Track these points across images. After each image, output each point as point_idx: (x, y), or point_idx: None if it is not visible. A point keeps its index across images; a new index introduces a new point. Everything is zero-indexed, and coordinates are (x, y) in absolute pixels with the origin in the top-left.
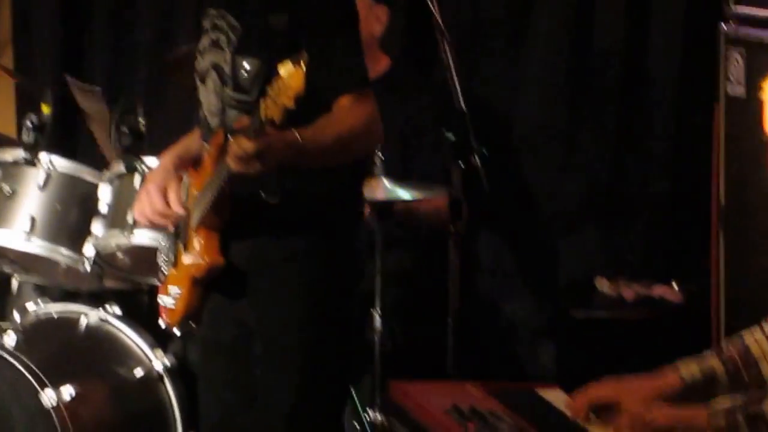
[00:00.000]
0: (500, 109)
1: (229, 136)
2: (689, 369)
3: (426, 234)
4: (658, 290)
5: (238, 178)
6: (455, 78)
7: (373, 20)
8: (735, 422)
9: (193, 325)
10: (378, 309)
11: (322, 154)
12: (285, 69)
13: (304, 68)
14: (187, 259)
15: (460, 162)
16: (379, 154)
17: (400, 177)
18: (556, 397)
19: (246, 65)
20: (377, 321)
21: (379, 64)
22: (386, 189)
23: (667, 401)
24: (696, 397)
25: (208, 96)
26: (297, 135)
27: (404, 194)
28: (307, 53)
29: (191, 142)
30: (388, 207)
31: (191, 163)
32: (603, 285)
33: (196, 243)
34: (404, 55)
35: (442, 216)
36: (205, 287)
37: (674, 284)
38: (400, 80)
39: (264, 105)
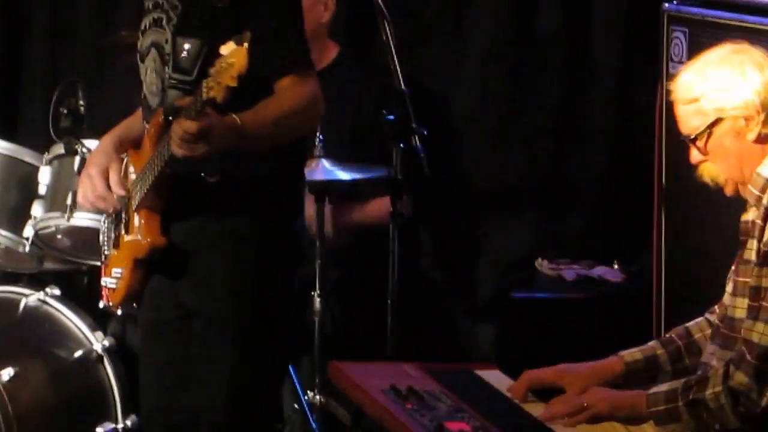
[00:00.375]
0: (440, 90)
1: (169, 116)
2: (632, 354)
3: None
4: (599, 270)
5: (179, 158)
6: (395, 59)
7: (321, 8)
8: (675, 408)
9: (135, 306)
10: (318, 291)
11: (262, 138)
12: (227, 48)
13: (247, 47)
14: (128, 239)
15: (400, 143)
16: (319, 135)
17: (340, 158)
18: (494, 377)
19: (186, 45)
20: (317, 303)
21: (329, 52)
22: (326, 170)
23: (608, 385)
24: (638, 382)
25: (149, 76)
26: (236, 119)
27: (344, 175)
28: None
29: (132, 123)
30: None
31: (132, 144)
32: (543, 266)
33: (138, 223)
34: (346, 38)
35: (386, 220)
36: (147, 268)
37: (615, 264)
38: (345, 65)
39: (206, 84)
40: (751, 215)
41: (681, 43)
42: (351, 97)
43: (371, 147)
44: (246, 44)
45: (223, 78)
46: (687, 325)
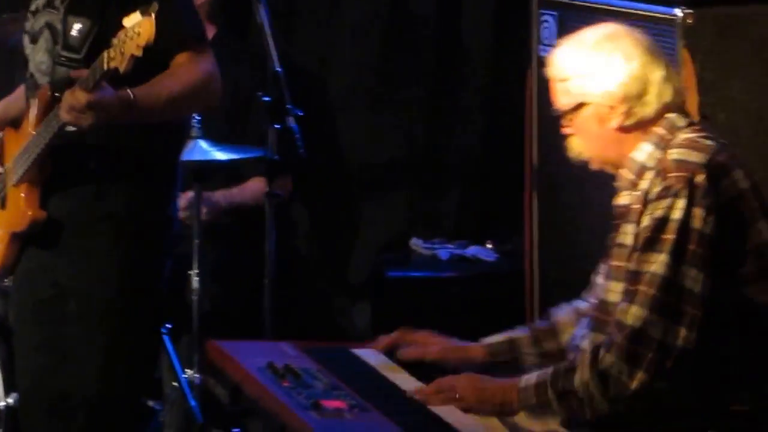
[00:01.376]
0: (315, 71)
1: (56, 92)
2: (494, 339)
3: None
4: (473, 250)
5: (63, 133)
6: (270, 41)
7: None
8: (546, 399)
9: (7, 282)
10: (196, 270)
11: (156, 112)
12: (131, 20)
13: (154, 18)
14: (6, 214)
15: (276, 124)
16: (195, 116)
17: (216, 139)
18: (369, 355)
19: (77, 24)
20: (195, 282)
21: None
22: (202, 151)
23: (471, 368)
24: (501, 367)
25: (38, 55)
26: (130, 93)
27: (221, 156)
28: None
29: (11, 102)
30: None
31: (11, 123)
32: (418, 245)
33: (17, 198)
34: (223, 20)
35: (261, 200)
36: (23, 242)
37: (488, 244)
38: (221, 46)
39: (107, 55)
40: (625, 199)
41: (551, 26)
42: (227, 78)
43: (247, 128)
44: (153, 15)
45: (127, 48)
46: (550, 309)
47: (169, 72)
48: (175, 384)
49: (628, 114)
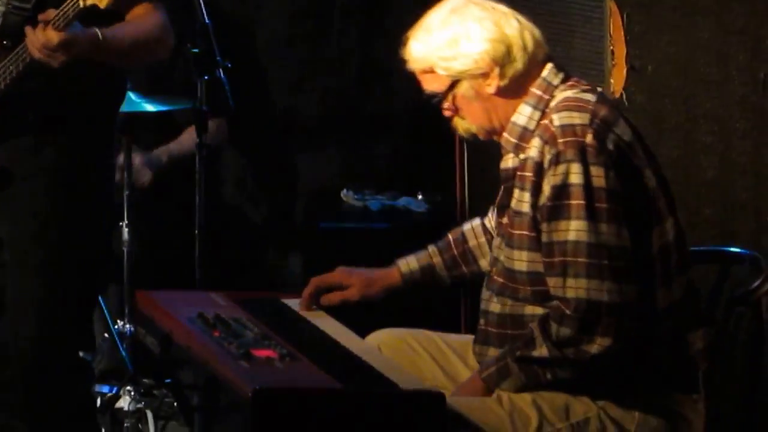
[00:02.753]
0: (244, 22)
1: (4, 40)
2: (408, 265)
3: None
4: (403, 201)
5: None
6: None
7: None
8: (505, 366)
9: None
10: (126, 221)
11: (118, 54)
12: None
13: None
14: None
15: (204, 75)
16: None
17: (145, 91)
18: (300, 304)
19: None
20: (125, 233)
21: None
22: (132, 102)
23: (387, 289)
24: (416, 289)
25: None
26: (98, 33)
27: (150, 107)
28: None
29: None
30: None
31: None
32: (349, 196)
33: None
34: None
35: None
36: None
37: (419, 195)
38: None
39: None
40: (510, 162)
41: None
42: None
43: (176, 80)
44: None
45: None
46: (464, 229)
47: (130, 20)
48: (106, 335)
49: (501, 75)
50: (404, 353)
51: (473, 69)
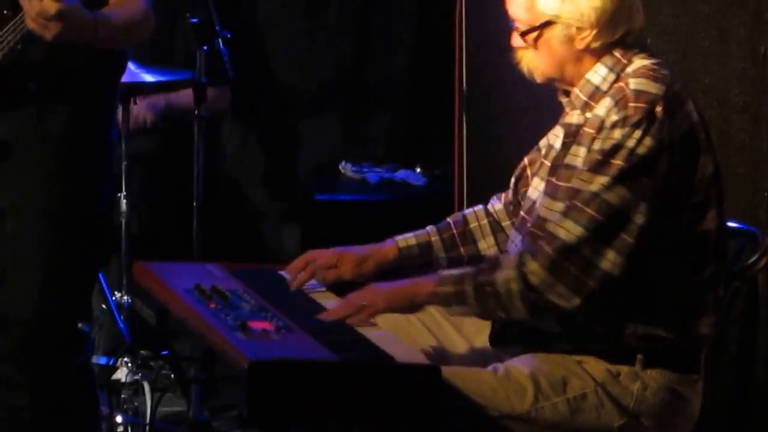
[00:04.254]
0: None
1: (4, 10)
2: (406, 240)
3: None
4: (402, 174)
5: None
6: None
7: None
8: (462, 290)
9: None
10: (124, 192)
11: (112, 38)
12: None
13: None
14: None
15: (203, 46)
16: None
17: (145, 61)
18: None
19: None
20: (123, 204)
21: None
22: (131, 72)
23: (379, 265)
24: (412, 266)
25: None
26: (95, 15)
27: (150, 77)
28: None
29: None
30: (133, 92)
31: None
32: (347, 169)
33: None
34: None
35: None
36: None
37: (418, 168)
38: None
39: None
40: (576, 119)
41: None
42: (155, 1)
43: (176, 50)
44: None
45: None
46: (465, 212)
47: (115, 3)
48: (104, 306)
49: (596, 37)
50: (398, 323)
51: (575, 20)
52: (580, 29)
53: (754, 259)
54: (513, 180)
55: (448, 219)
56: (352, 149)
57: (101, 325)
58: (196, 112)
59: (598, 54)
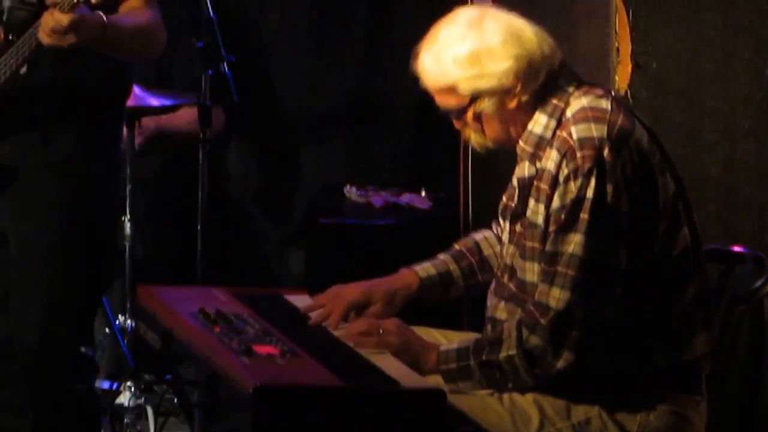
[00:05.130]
0: (248, 17)
1: (10, 34)
2: (426, 270)
3: (178, 143)
4: (407, 197)
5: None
6: None
7: None
8: (467, 366)
9: None
10: (128, 215)
11: (119, 44)
12: None
13: None
14: None
15: (209, 70)
16: None
17: (150, 84)
18: (303, 301)
19: None
20: (127, 227)
21: None
22: (136, 96)
23: (406, 299)
24: (433, 296)
25: None
26: (102, 16)
27: (155, 101)
28: None
29: None
30: (138, 115)
31: None
32: (352, 192)
33: None
34: None
35: (195, 127)
36: None
37: (422, 192)
38: None
39: None
40: (526, 171)
41: None
42: None
43: (181, 73)
44: None
45: None
46: (476, 239)
47: (127, 10)
48: (107, 330)
49: (523, 91)
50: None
51: (497, 86)
52: (506, 92)
53: (760, 283)
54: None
55: (459, 246)
56: (357, 172)
57: (104, 349)
58: (201, 135)
59: (533, 105)
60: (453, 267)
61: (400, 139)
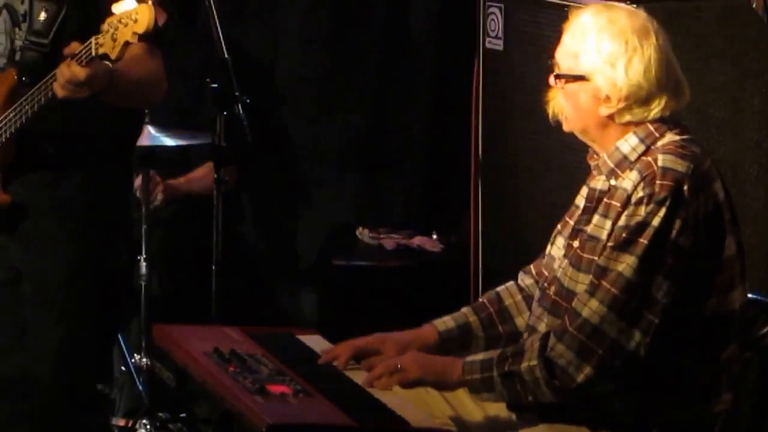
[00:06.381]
0: (262, 59)
1: (24, 77)
2: (445, 323)
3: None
4: (418, 240)
5: (30, 119)
6: (218, 28)
7: None
8: (490, 377)
9: None
10: (144, 255)
11: (125, 93)
12: (122, 5)
13: (152, 5)
14: None
15: (223, 111)
16: None
17: (165, 125)
18: (315, 341)
19: (44, 9)
20: (143, 267)
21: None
22: (151, 136)
23: (425, 352)
24: (452, 350)
25: None
26: (110, 65)
27: (169, 142)
28: (104, 3)
29: None
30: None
31: None
32: (364, 234)
33: None
34: (173, 6)
35: (211, 186)
36: None
37: (434, 235)
38: (172, 32)
39: (95, 41)
40: (600, 184)
41: (497, 18)
42: (176, 65)
43: (196, 114)
44: (151, 1)
45: (120, 34)
46: (498, 290)
47: (130, 59)
48: (123, 368)
49: (624, 110)
50: (414, 390)
51: (607, 87)
52: (608, 97)
53: (766, 329)
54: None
55: (482, 299)
56: (369, 215)
57: (121, 386)
58: (215, 176)
59: (620, 129)
60: (473, 318)
61: (412, 182)
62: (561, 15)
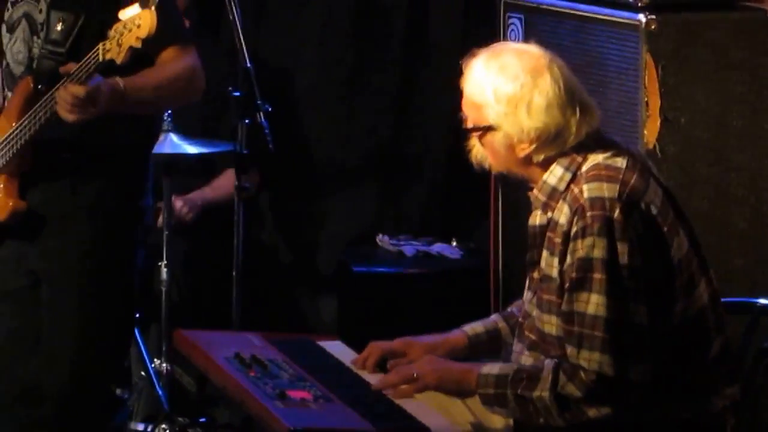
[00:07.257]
0: (284, 67)
1: (39, 84)
2: (474, 329)
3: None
4: (438, 247)
5: (47, 127)
6: (241, 37)
7: None
8: (504, 394)
9: None
10: (165, 261)
11: (143, 103)
12: (130, 11)
13: (155, 9)
14: None
15: (245, 119)
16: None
17: (187, 133)
18: (335, 347)
19: (61, 18)
20: (164, 272)
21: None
22: (173, 144)
23: (454, 357)
24: (482, 354)
25: (16, 45)
26: (119, 82)
27: (191, 149)
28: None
29: None
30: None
31: None
32: (384, 241)
33: None
34: (195, 15)
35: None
36: (1, 232)
37: (453, 241)
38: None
39: (102, 47)
40: (538, 219)
41: (517, 29)
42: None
43: (218, 122)
44: (153, 8)
45: (125, 39)
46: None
47: (156, 66)
48: (143, 373)
49: (536, 151)
50: (435, 395)
51: (515, 133)
52: (520, 141)
53: None
54: None
55: (511, 306)
56: (389, 222)
57: (140, 391)
58: (236, 182)
59: (542, 165)
60: (502, 325)
61: (432, 189)
62: (581, 26)
